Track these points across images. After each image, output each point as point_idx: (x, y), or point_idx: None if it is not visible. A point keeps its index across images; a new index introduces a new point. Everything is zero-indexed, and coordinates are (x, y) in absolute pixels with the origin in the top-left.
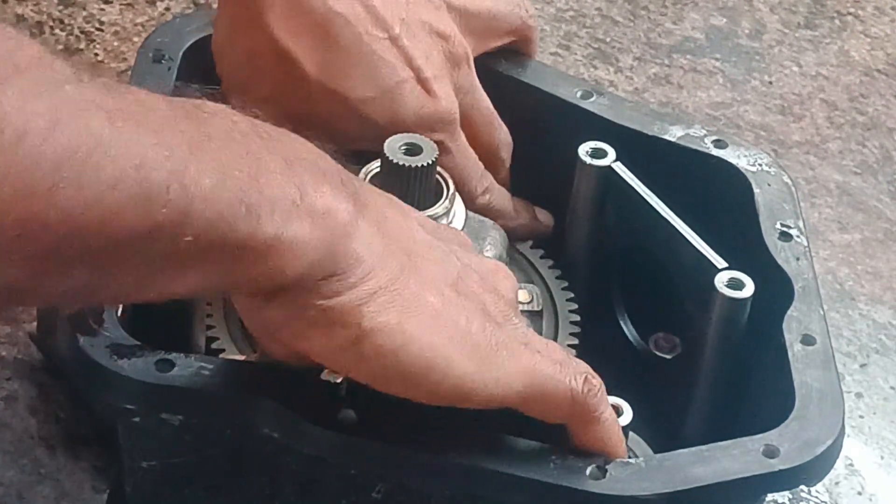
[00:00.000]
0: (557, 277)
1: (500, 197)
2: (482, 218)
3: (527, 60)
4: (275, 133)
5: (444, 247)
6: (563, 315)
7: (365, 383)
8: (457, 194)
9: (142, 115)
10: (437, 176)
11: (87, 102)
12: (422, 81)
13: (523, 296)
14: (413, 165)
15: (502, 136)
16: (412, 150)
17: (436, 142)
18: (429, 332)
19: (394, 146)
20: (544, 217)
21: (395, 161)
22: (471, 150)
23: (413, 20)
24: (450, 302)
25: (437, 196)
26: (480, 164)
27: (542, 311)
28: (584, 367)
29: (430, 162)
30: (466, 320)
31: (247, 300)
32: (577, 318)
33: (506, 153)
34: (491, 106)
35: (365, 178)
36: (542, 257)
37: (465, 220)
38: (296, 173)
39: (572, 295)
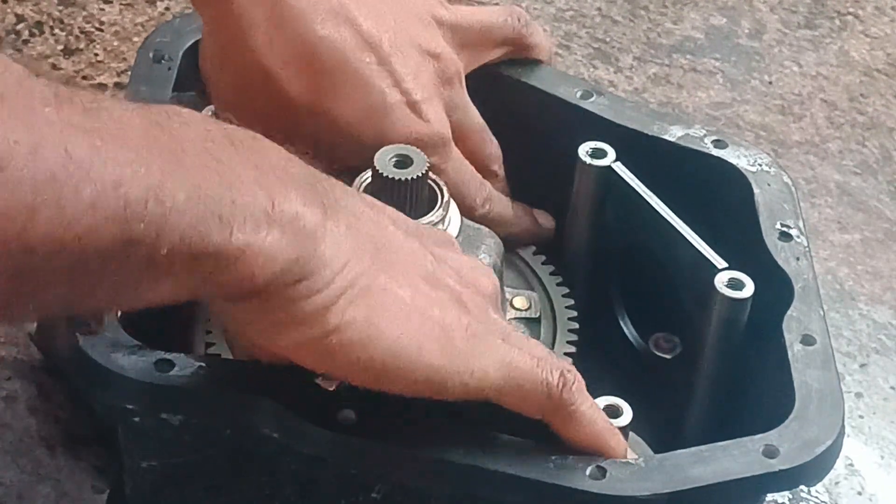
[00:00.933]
0: (558, 284)
1: (499, 205)
2: (478, 226)
3: (526, 61)
4: (247, 140)
5: (418, 242)
6: (561, 322)
7: (337, 378)
8: (451, 201)
9: (118, 132)
10: (431, 183)
11: (65, 125)
12: (411, 104)
13: (521, 302)
14: (404, 178)
15: (493, 149)
16: (403, 162)
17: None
18: (398, 325)
19: (384, 159)
20: (545, 220)
21: (385, 175)
22: (466, 164)
23: (402, 40)
24: (422, 294)
25: (431, 204)
26: (478, 175)
27: (539, 317)
28: (562, 363)
29: (421, 174)
30: (440, 311)
31: (217, 300)
32: (576, 325)
33: (497, 166)
34: (482, 120)
35: (358, 190)
36: (543, 263)
37: (461, 228)
38: (267, 181)
39: (572, 302)
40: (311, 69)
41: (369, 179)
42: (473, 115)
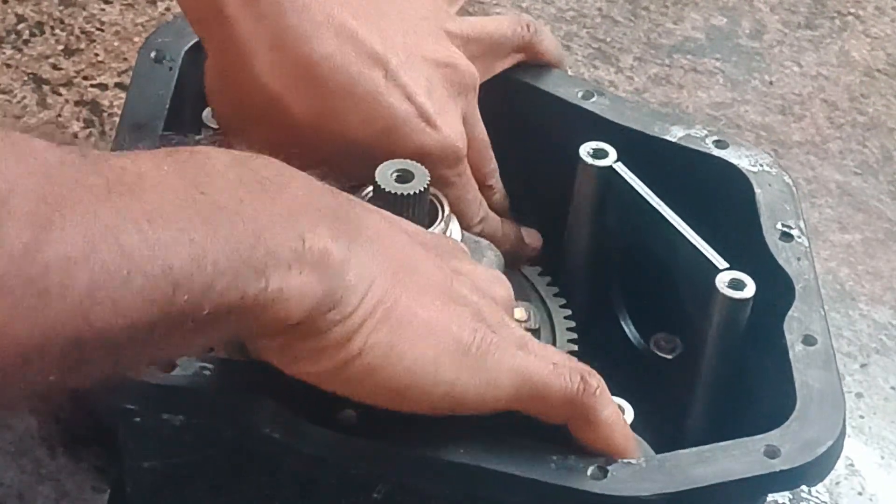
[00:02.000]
0: (555, 295)
1: (491, 224)
2: (477, 238)
3: (528, 61)
4: (275, 176)
5: (436, 257)
6: (560, 332)
7: (357, 400)
8: (452, 216)
9: (161, 208)
10: (432, 197)
11: (116, 216)
12: (425, 117)
13: (520, 314)
14: (405, 193)
15: (493, 165)
16: (404, 176)
17: (440, 175)
18: (416, 344)
19: (385, 173)
20: (532, 239)
21: (387, 189)
22: (473, 182)
23: (411, 54)
24: (441, 311)
25: (431, 218)
26: (479, 194)
27: (539, 329)
28: (582, 367)
29: (423, 189)
30: (457, 327)
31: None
32: (575, 335)
33: (494, 180)
34: (486, 135)
35: None
36: (539, 274)
37: (461, 241)
38: (296, 220)
39: (570, 312)
40: (316, 90)
41: (371, 194)
42: (481, 130)
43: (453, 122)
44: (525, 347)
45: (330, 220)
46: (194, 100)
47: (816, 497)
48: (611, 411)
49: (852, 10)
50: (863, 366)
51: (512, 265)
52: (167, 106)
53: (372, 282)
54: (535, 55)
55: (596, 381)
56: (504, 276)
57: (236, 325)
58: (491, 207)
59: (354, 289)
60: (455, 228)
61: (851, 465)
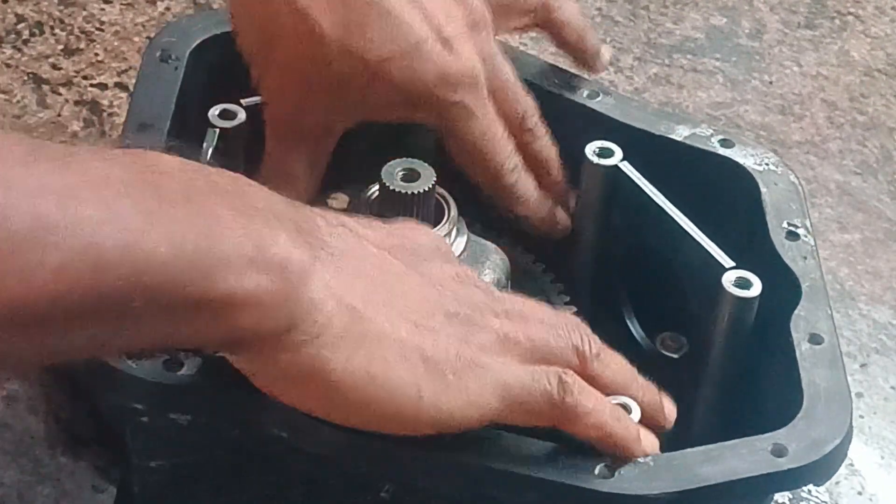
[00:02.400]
0: (560, 293)
1: (525, 182)
2: (483, 241)
3: (533, 60)
4: (230, 184)
5: (406, 266)
6: None
7: (345, 425)
8: (458, 217)
9: (94, 189)
10: (438, 197)
11: (37, 186)
12: (442, 40)
13: None
14: (411, 192)
15: (528, 104)
16: (410, 175)
17: (459, 103)
18: (397, 369)
19: (391, 172)
20: (562, 218)
21: (392, 188)
22: (499, 122)
23: None
24: (416, 328)
25: (437, 219)
26: (510, 141)
27: None
28: (556, 368)
29: (429, 188)
30: (432, 345)
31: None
32: None
33: (533, 121)
34: (514, 73)
35: (367, 202)
36: (544, 272)
37: (467, 243)
38: (252, 226)
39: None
40: (342, 4)
41: (376, 192)
42: (502, 66)
43: (470, 49)
44: (505, 342)
45: (290, 230)
46: (200, 99)
47: (816, 497)
48: (594, 403)
49: (852, 10)
50: (863, 366)
51: (537, 234)
52: (173, 106)
53: (340, 302)
54: (552, 23)
55: (573, 378)
56: (477, 276)
57: (188, 328)
58: (535, 157)
59: (318, 305)
60: (461, 229)
61: (851, 464)
